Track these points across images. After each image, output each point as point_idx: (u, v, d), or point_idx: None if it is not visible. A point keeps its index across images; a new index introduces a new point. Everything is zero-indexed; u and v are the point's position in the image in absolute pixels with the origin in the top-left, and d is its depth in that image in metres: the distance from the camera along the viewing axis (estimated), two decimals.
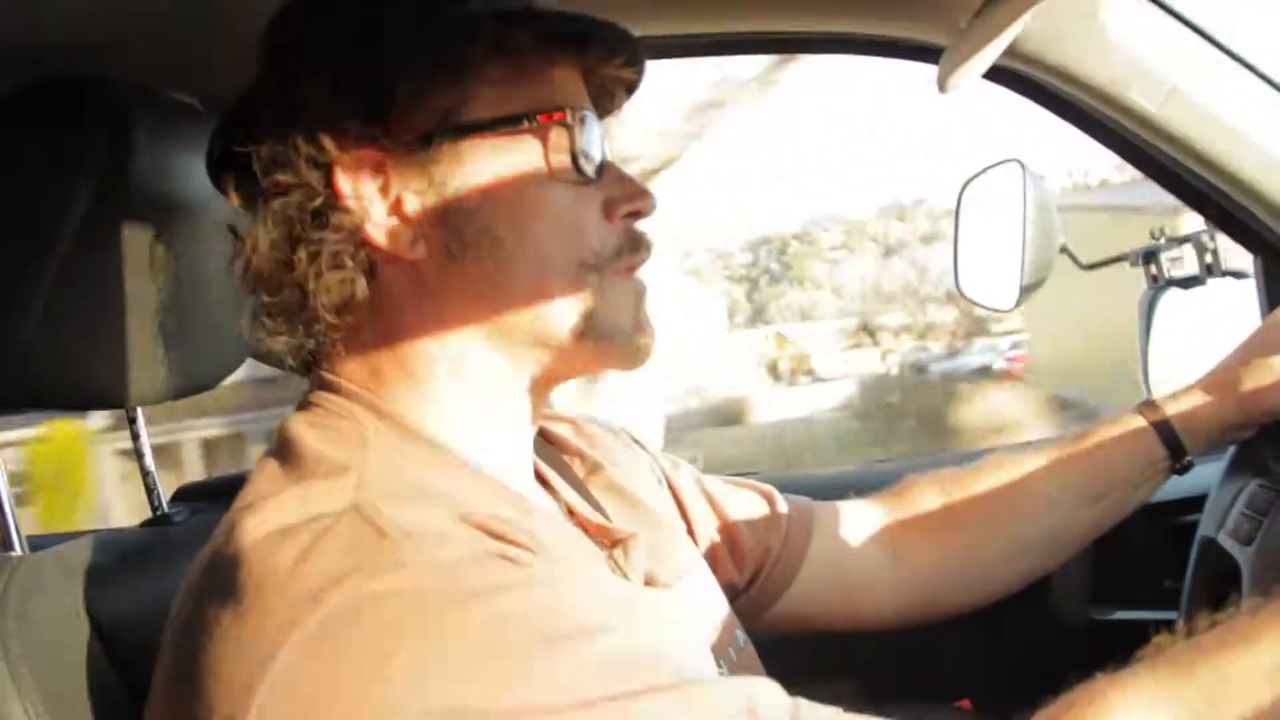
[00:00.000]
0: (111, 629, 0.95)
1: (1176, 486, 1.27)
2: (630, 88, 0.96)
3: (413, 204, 0.83)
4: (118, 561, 1.03)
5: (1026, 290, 1.44)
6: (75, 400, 1.04)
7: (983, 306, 1.52)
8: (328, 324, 0.83)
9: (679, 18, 1.37)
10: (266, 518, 0.71)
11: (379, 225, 0.82)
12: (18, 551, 0.98)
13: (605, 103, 0.94)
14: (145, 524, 1.21)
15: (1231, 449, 1.26)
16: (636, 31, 0.90)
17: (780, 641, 1.12)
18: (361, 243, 0.82)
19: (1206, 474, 1.28)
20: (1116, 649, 0.80)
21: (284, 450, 0.80)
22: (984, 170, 1.50)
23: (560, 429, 1.11)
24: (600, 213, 0.87)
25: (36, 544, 1.00)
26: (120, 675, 0.94)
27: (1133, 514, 1.24)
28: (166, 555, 1.06)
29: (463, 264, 0.83)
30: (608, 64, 0.91)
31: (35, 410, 1.04)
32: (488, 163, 0.83)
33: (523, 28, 0.84)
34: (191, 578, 0.74)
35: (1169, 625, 0.84)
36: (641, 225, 0.90)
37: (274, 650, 0.65)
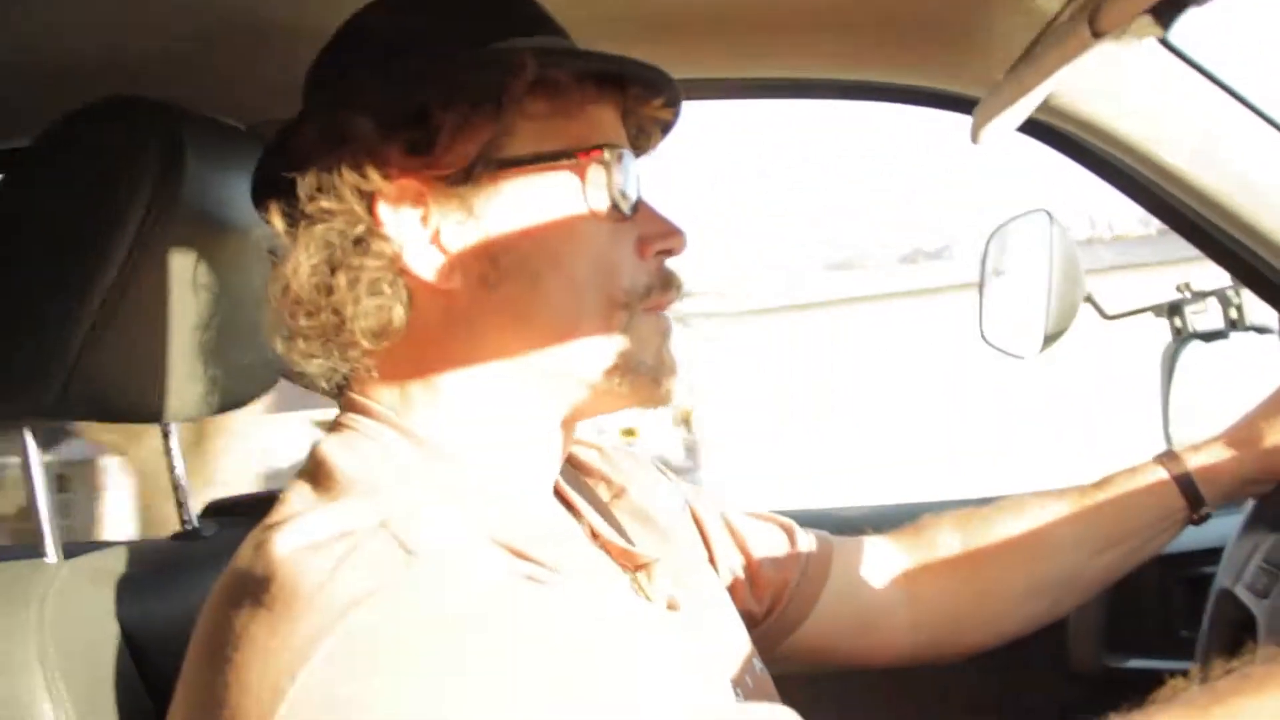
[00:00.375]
0: (140, 637, 0.97)
1: (1193, 537, 1.27)
2: (666, 128, 0.98)
3: (451, 235, 0.84)
4: (148, 573, 1.05)
5: (1050, 339, 1.45)
6: (114, 414, 1.06)
7: (1007, 354, 1.54)
8: (363, 349, 0.84)
9: (715, 62, 1.39)
10: (296, 534, 0.72)
11: (418, 255, 0.84)
12: (53, 559, 0.99)
13: (642, 142, 0.96)
14: (175, 537, 1.23)
15: (1250, 503, 1.27)
16: (673, 74, 0.92)
17: (794, 676, 1.12)
18: (400, 271, 0.84)
19: (1223, 526, 1.29)
20: (1130, 697, 0.81)
21: (315, 471, 0.82)
22: (1011, 220, 1.52)
23: (586, 454, 1.12)
24: (634, 250, 0.89)
25: (70, 552, 1.01)
26: (146, 683, 0.96)
27: (1149, 563, 1.25)
28: (195, 568, 1.08)
29: (497, 295, 0.85)
30: (646, 104, 0.93)
31: (74, 420, 1.06)
32: (527, 197, 0.85)
33: (564, 64, 0.86)
34: (218, 590, 0.75)
35: (1184, 675, 0.85)
36: (672, 264, 0.92)
37: (301, 662, 0.65)
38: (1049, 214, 1.46)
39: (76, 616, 0.93)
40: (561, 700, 0.67)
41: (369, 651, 0.66)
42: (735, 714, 0.76)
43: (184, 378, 1.06)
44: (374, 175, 0.82)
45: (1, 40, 1.14)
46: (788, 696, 0.96)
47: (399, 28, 0.88)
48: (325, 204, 0.82)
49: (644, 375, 0.88)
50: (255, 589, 0.70)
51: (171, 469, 1.25)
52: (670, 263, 0.92)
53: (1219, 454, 1.19)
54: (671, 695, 0.72)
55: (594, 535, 0.97)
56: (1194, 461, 1.19)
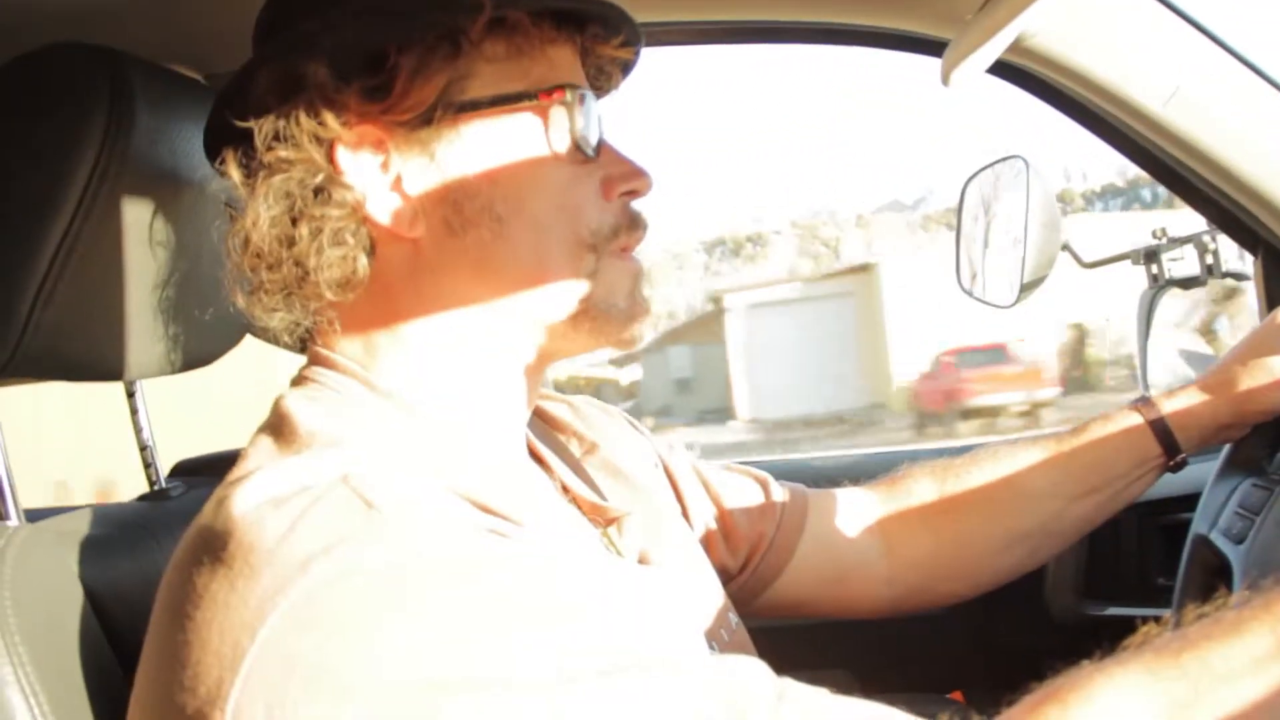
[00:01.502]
0: (106, 600, 0.96)
1: (1170, 484, 1.27)
2: (626, 68, 0.97)
3: (413, 181, 0.83)
4: (113, 534, 1.04)
5: (1027, 288, 1.44)
6: (74, 372, 1.04)
7: (983, 304, 1.53)
8: (326, 301, 0.83)
9: (679, 5, 1.37)
10: (257, 489, 0.71)
11: (380, 202, 0.83)
12: (14, 522, 0.98)
13: (602, 83, 0.95)
14: (142, 498, 1.22)
15: (1226, 448, 1.26)
16: (635, 19, 0.91)
17: (772, 628, 1.12)
18: (363, 220, 0.83)
19: (1200, 472, 1.29)
20: (1107, 644, 0.81)
21: (277, 425, 0.80)
22: (987, 166, 1.50)
23: (557, 409, 1.11)
24: (598, 191, 0.88)
25: (33, 516, 1.00)
26: (113, 646, 0.95)
27: (1126, 511, 1.25)
28: (162, 529, 1.07)
29: (462, 241, 0.84)
30: (605, 43, 0.91)
31: (34, 380, 1.04)
32: (488, 140, 0.84)
33: (521, 3, 0.84)
34: (181, 548, 0.74)
35: (1158, 621, 0.85)
36: (638, 205, 0.91)
37: (262, 617, 0.65)
38: (1025, 160, 1.44)
39: (38, 579, 0.91)
40: (524, 650, 0.66)
41: (330, 606, 0.65)
42: (705, 664, 0.75)
43: (145, 335, 1.05)
44: (332, 122, 0.81)
45: None
46: (764, 649, 0.96)
47: None
48: (283, 153, 0.80)
49: (615, 318, 0.87)
50: (215, 546, 0.69)
51: (138, 429, 1.24)
52: (636, 204, 0.91)
53: (1194, 399, 1.19)
54: (639, 645, 0.71)
55: (564, 490, 0.97)
56: (1169, 407, 1.19)
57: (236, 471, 0.77)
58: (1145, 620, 0.84)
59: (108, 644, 0.94)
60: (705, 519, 1.17)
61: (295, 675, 0.64)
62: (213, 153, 0.86)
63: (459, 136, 0.83)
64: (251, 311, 0.85)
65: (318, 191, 0.81)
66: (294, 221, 0.81)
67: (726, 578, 1.15)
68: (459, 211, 0.83)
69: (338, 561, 0.66)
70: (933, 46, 1.31)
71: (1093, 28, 1.19)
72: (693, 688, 0.69)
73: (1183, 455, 1.19)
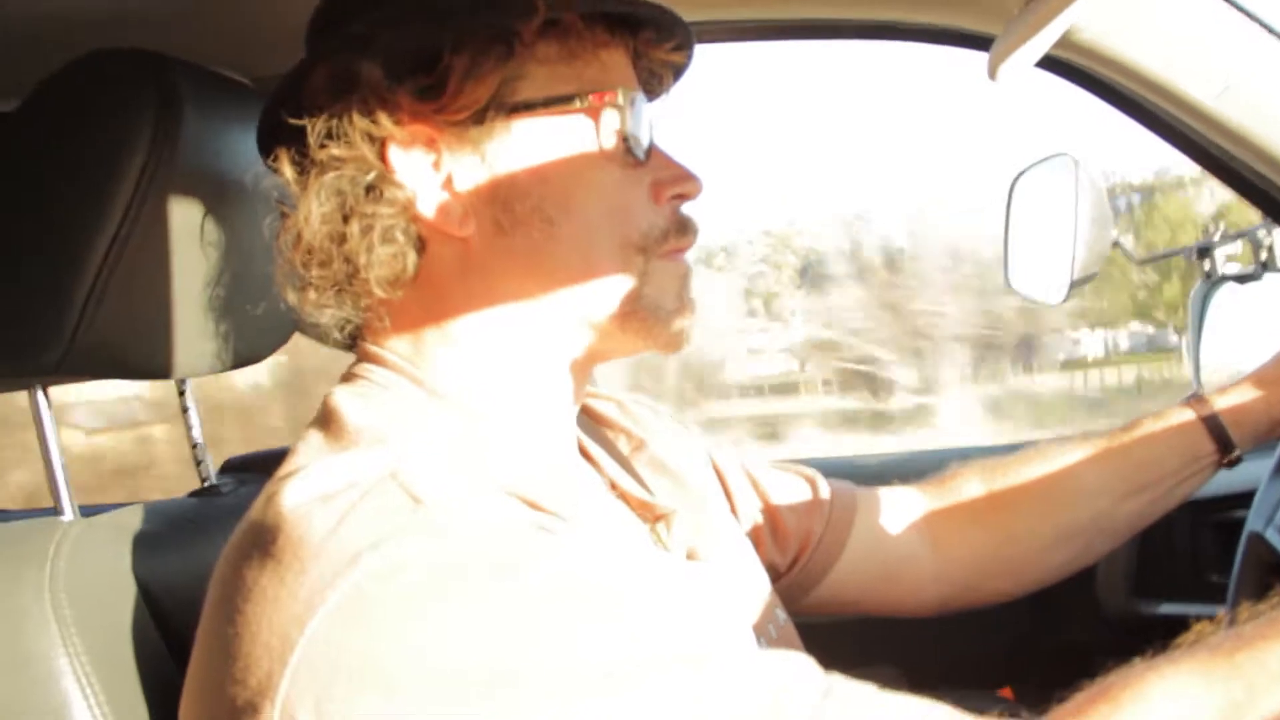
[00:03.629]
0: (158, 594, 0.98)
1: (1224, 481, 1.25)
2: (678, 72, 0.97)
3: (464, 181, 0.84)
4: (165, 529, 1.06)
5: (1076, 284, 1.43)
6: (124, 370, 1.05)
7: (1032, 301, 1.52)
8: (376, 298, 0.84)
9: (726, 3, 1.37)
10: (306, 485, 0.72)
11: (430, 201, 0.83)
12: (68, 516, 1.00)
13: (654, 86, 0.95)
14: (193, 494, 1.24)
15: None
16: (684, 16, 0.91)
17: (821, 625, 1.12)
18: (413, 218, 0.83)
19: (1255, 469, 1.27)
20: (1159, 642, 0.80)
21: (326, 421, 0.81)
22: (1035, 164, 1.49)
23: (605, 407, 1.12)
24: (648, 194, 0.88)
25: (87, 512, 1.02)
26: (165, 638, 0.96)
27: (1179, 508, 1.23)
28: (213, 524, 1.09)
29: (511, 241, 0.84)
30: (657, 47, 0.91)
31: (85, 379, 1.06)
32: (539, 141, 0.84)
33: (574, 6, 0.84)
34: (231, 543, 0.75)
35: (1211, 619, 0.84)
36: (688, 209, 0.91)
37: (311, 611, 0.66)
38: (1074, 158, 1.43)
39: (92, 573, 0.93)
40: (571, 644, 0.67)
41: (377, 600, 0.66)
42: (752, 659, 0.75)
43: (194, 333, 1.06)
44: (385, 120, 0.81)
45: None
46: (812, 645, 0.96)
47: None
48: (336, 151, 0.81)
49: (662, 319, 0.88)
50: (265, 541, 0.70)
51: (189, 426, 1.25)
52: (685, 208, 0.91)
53: (1247, 395, 1.17)
54: (686, 640, 0.71)
55: (613, 487, 0.97)
56: (1222, 403, 1.17)
57: (286, 467, 0.78)
58: (1199, 619, 0.83)
59: (160, 637, 0.96)
60: (753, 516, 1.17)
61: (343, 668, 0.65)
62: (265, 151, 0.87)
63: (510, 137, 0.84)
64: (301, 308, 0.86)
65: (369, 189, 0.82)
66: (345, 219, 0.82)
67: (775, 575, 1.15)
68: (509, 211, 0.84)
69: (385, 556, 0.66)
70: (979, 41, 1.30)
71: (1143, 20, 1.17)
72: (739, 682, 0.70)
73: (1237, 452, 1.17)
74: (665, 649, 0.69)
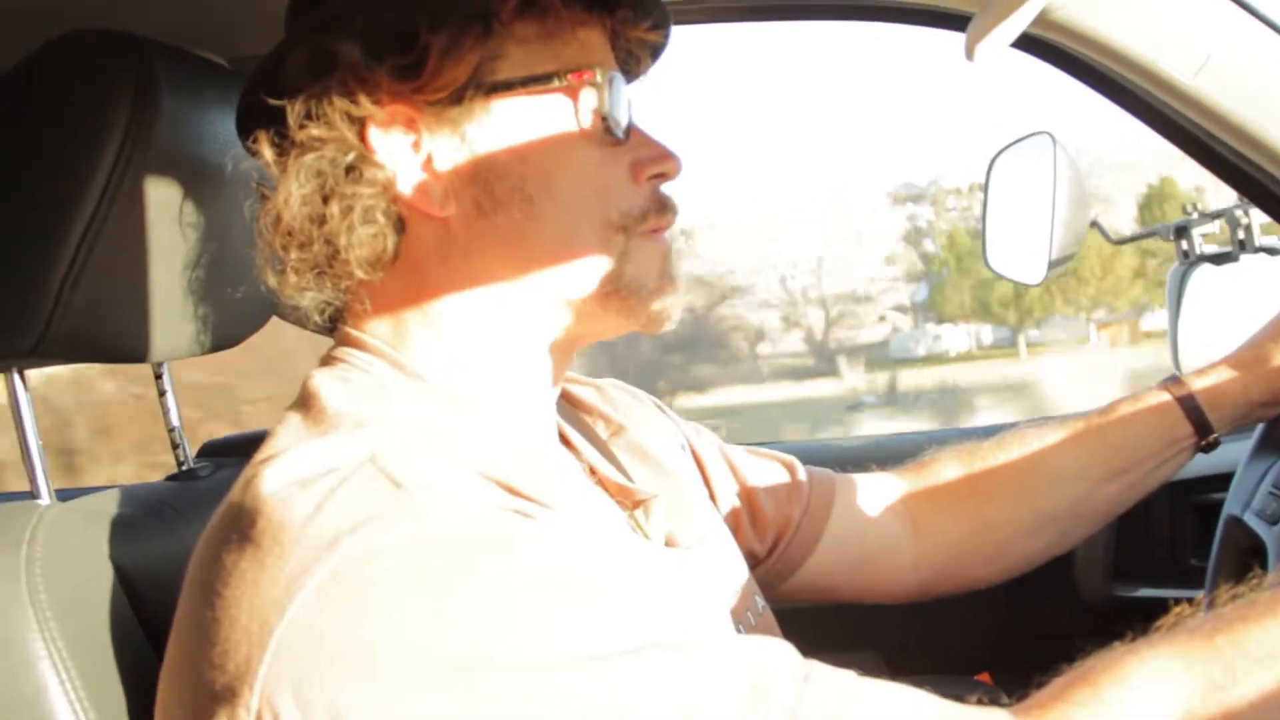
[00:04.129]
0: (135, 579, 0.97)
1: (1202, 464, 1.25)
2: (656, 52, 0.97)
3: (444, 161, 0.84)
4: (143, 513, 1.05)
5: (1055, 265, 1.42)
6: (101, 354, 1.05)
7: (1011, 280, 1.51)
8: (357, 280, 0.84)
9: None
10: (285, 469, 0.72)
11: (410, 181, 0.83)
12: (45, 501, 0.99)
13: (631, 66, 0.95)
14: (171, 478, 1.24)
15: (1259, 427, 1.24)
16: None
17: (800, 611, 1.12)
18: (393, 198, 0.83)
19: (1233, 452, 1.27)
20: (1139, 626, 0.80)
21: (305, 405, 0.81)
22: (1013, 143, 1.48)
23: (584, 392, 1.12)
24: (628, 174, 0.88)
25: (64, 496, 1.01)
26: (143, 624, 0.96)
27: (1157, 491, 1.23)
28: (191, 509, 1.09)
29: (492, 221, 0.84)
30: (634, 26, 0.91)
31: (61, 363, 1.05)
32: (518, 121, 0.84)
33: None
34: (210, 527, 0.75)
35: (1190, 602, 0.84)
36: (667, 188, 0.91)
37: (290, 595, 0.66)
38: (1052, 136, 1.43)
39: (68, 557, 0.92)
40: (552, 629, 0.67)
41: (357, 583, 0.65)
42: (730, 644, 0.75)
43: (172, 316, 1.05)
44: (364, 100, 0.81)
45: None
46: (792, 631, 0.95)
47: None
48: (315, 131, 0.81)
49: (644, 298, 0.88)
50: (244, 525, 0.70)
51: (165, 410, 1.25)
52: (665, 187, 0.91)
53: (1225, 377, 1.17)
54: (665, 625, 0.71)
55: (591, 472, 0.97)
56: (1199, 385, 1.17)
57: (265, 451, 0.78)
58: (1177, 602, 0.83)
59: (137, 621, 0.96)
60: (732, 501, 1.17)
61: (323, 652, 0.65)
62: (244, 133, 0.87)
63: (489, 117, 0.83)
64: (282, 291, 0.85)
65: (349, 170, 0.82)
66: (325, 200, 0.82)
67: (753, 561, 1.15)
68: (489, 191, 0.84)
69: (365, 540, 0.66)
70: (956, 20, 1.29)
71: None
72: (718, 667, 0.70)
73: (1215, 435, 1.17)
74: (645, 635, 0.69)
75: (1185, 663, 0.73)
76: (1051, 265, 1.42)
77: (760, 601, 1.06)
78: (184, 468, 1.25)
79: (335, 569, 0.66)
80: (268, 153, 0.83)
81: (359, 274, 0.83)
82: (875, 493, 1.24)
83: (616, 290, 0.86)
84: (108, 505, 1.03)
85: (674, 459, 1.12)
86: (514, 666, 0.65)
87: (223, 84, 1.08)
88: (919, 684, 0.75)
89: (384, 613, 0.65)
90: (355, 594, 0.65)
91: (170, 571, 0.84)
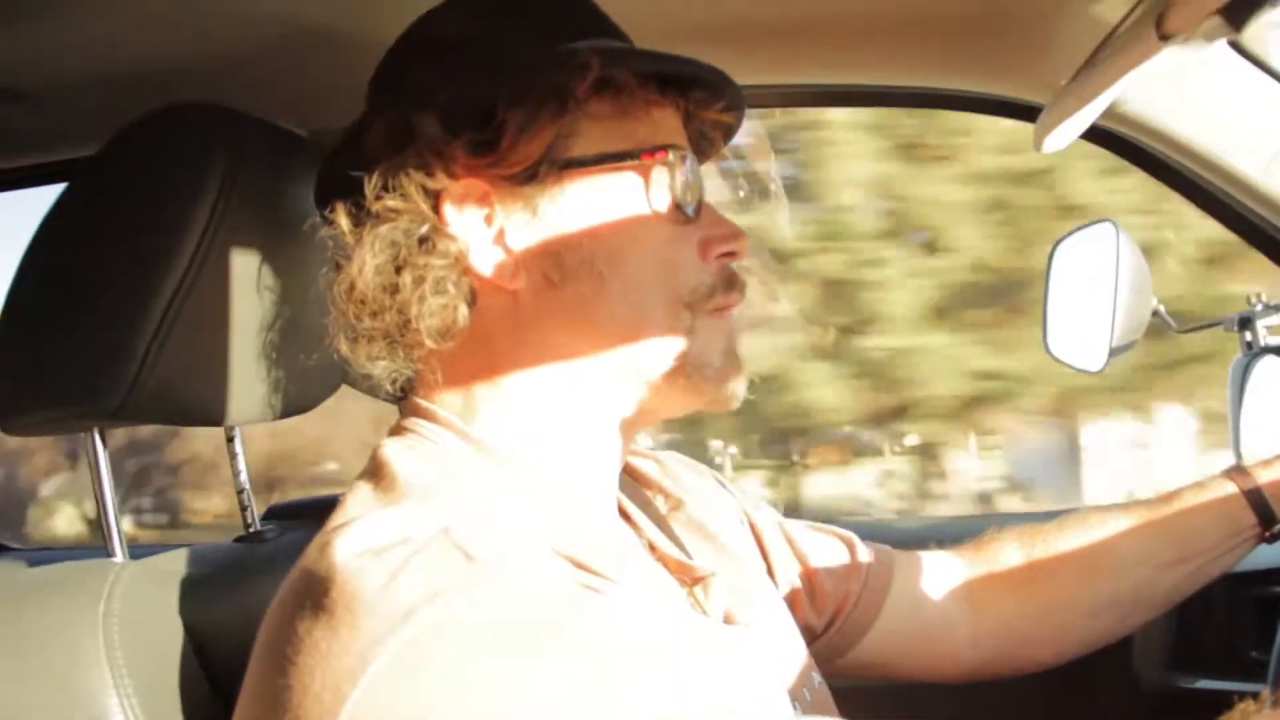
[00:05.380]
0: (205, 638, 0.99)
1: (1266, 556, 1.24)
2: (728, 133, 0.98)
3: (515, 235, 0.85)
4: (212, 574, 1.07)
5: (1116, 352, 1.43)
6: (179, 417, 1.07)
7: (1071, 367, 1.51)
8: (427, 350, 0.85)
9: (779, 69, 1.38)
10: (359, 537, 0.72)
11: (482, 254, 0.85)
12: (119, 558, 1.01)
13: (704, 146, 0.96)
14: (238, 540, 1.25)
15: None
16: (736, 80, 0.92)
17: (855, 689, 1.11)
18: (464, 270, 0.85)
19: None
20: (1197, 718, 0.79)
21: (376, 474, 0.82)
22: (1076, 229, 1.49)
23: (644, 465, 1.12)
24: (697, 251, 0.89)
25: (136, 554, 1.03)
26: (212, 683, 0.97)
27: (1219, 581, 1.22)
28: (258, 570, 1.10)
29: (561, 294, 0.85)
30: (708, 108, 0.93)
31: (138, 424, 1.08)
32: (591, 198, 0.85)
33: (628, 64, 0.86)
34: (283, 593, 0.75)
35: (1254, 697, 0.83)
36: (736, 267, 0.92)
37: (364, 665, 0.66)
38: (1114, 224, 1.43)
39: (141, 615, 0.94)
40: (619, 703, 0.67)
41: (431, 656, 0.66)
42: None
43: (248, 381, 1.07)
44: (440, 174, 0.83)
45: (65, 49, 1.16)
46: (846, 709, 0.96)
47: (465, 29, 0.88)
48: (391, 203, 0.83)
49: (709, 377, 0.88)
50: (317, 593, 0.70)
51: (236, 472, 1.27)
52: (734, 266, 0.92)
53: None
54: (724, 703, 0.71)
55: (652, 548, 0.97)
56: (1264, 477, 1.16)
57: (337, 518, 0.78)
58: (1238, 695, 0.82)
59: (206, 680, 0.97)
60: (790, 577, 1.17)
61: None
62: (322, 204, 0.89)
63: (562, 193, 0.85)
64: (354, 358, 0.86)
65: (422, 241, 0.83)
66: (398, 270, 0.83)
67: (810, 636, 1.14)
68: (559, 265, 0.85)
69: (440, 611, 0.67)
70: (1026, 111, 1.31)
71: (1189, 93, 1.18)
72: None
73: (1279, 526, 1.16)
74: (707, 710, 0.69)
75: None
76: (1113, 352, 1.42)
77: (817, 678, 1.05)
78: (250, 529, 1.26)
79: (410, 640, 0.66)
80: (344, 222, 0.84)
81: (429, 344, 0.84)
82: (934, 572, 1.23)
83: (682, 367, 0.87)
84: (178, 565, 1.04)
85: (733, 534, 1.12)
86: None
87: (301, 154, 1.11)
88: None
89: (458, 685, 0.65)
90: (429, 665, 0.65)
91: (239, 631, 0.84)
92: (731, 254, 0.91)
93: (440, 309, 0.84)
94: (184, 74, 1.19)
